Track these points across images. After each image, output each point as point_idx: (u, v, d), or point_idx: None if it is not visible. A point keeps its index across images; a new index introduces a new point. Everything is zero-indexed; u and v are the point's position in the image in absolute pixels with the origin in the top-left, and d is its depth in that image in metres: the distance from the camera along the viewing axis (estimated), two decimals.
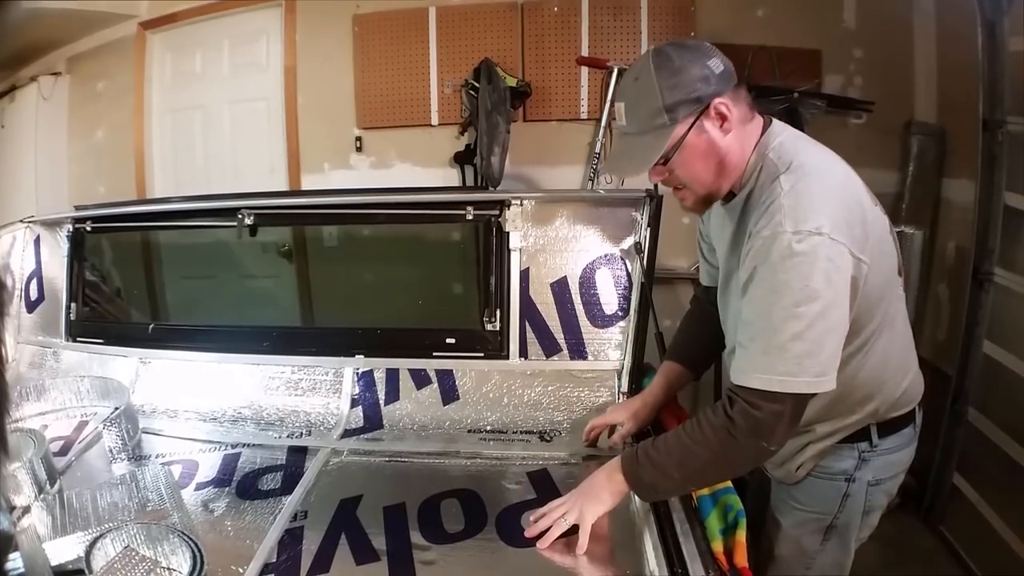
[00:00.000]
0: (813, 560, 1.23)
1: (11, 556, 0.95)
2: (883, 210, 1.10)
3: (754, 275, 0.99)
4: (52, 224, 2.00)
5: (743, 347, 1.01)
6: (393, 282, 2.22)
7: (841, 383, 1.05)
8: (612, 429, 1.40)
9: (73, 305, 1.94)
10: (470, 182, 3.06)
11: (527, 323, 1.64)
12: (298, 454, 1.48)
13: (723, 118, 1.03)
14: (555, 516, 1.10)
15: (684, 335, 1.45)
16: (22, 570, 0.95)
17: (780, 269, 0.95)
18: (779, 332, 0.95)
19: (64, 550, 1.04)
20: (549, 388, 1.61)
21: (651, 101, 1.01)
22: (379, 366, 1.67)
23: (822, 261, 0.94)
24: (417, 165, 3.24)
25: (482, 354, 1.66)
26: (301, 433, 1.58)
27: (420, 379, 1.65)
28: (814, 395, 0.99)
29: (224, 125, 3.49)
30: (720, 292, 1.23)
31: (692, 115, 1.02)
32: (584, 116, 3.03)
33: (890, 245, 1.09)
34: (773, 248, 0.96)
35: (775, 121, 1.10)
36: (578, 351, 1.63)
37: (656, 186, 1.51)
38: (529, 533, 1.12)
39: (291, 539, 1.16)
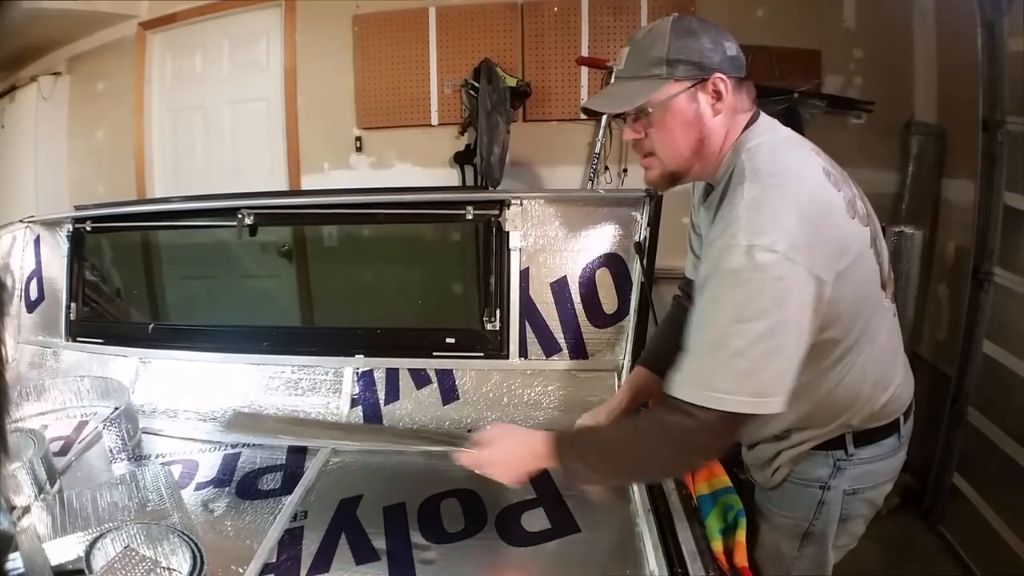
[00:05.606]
0: (792, 565, 1.21)
1: (11, 556, 0.94)
2: (866, 222, 1.02)
3: (704, 285, 0.95)
4: (52, 224, 1.99)
5: (685, 353, 0.95)
6: (393, 282, 2.22)
7: (818, 396, 1.05)
8: None
9: (73, 305, 1.94)
10: (470, 182, 3.06)
11: (527, 323, 1.64)
12: (298, 454, 1.48)
13: (718, 96, 1.00)
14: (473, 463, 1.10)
15: (655, 339, 1.40)
16: (22, 570, 0.95)
17: (727, 283, 0.91)
18: (718, 347, 0.91)
19: (64, 550, 1.04)
20: (549, 388, 1.61)
21: (656, 49, 1.00)
22: (379, 366, 1.67)
23: (771, 280, 0.88)
24: (417, 165, 3.25)
25: (482, 354, 1.65)
26: None
27: (420, 379, 1.65)
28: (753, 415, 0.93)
29: (224, 125, 3.50)
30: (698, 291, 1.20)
31: (689, 79, 1.00)
32: (584, 116, 3.03)
33: (871, 260, 1.03)
34: (723, 260, 0.91)
35: (763, 119, 1.05)
36: (578, 351, 1.63)
37: None
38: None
39: (291, 539, 1.16)
